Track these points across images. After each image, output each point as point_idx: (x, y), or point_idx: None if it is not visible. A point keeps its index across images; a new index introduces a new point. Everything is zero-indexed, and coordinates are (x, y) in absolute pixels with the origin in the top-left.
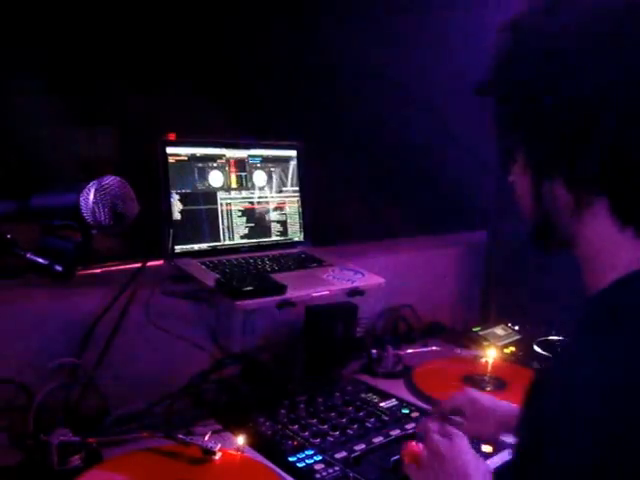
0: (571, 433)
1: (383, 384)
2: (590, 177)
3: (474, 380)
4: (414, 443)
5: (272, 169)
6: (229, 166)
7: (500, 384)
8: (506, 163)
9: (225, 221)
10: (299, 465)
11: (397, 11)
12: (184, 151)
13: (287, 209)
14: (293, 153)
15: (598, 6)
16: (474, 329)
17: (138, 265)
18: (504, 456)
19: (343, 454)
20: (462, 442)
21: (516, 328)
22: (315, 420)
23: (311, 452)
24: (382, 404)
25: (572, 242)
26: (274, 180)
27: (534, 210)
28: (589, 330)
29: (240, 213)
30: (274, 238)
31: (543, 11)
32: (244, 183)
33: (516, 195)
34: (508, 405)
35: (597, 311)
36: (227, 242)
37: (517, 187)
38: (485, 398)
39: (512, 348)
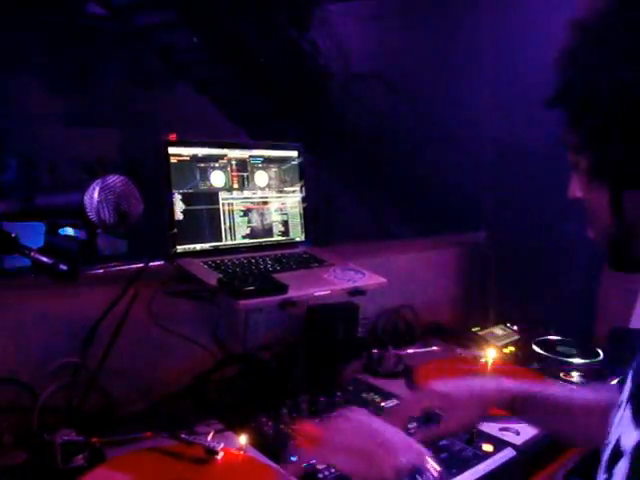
0: None
1: (384, 384)
2: None
3: None
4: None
5: (274, 169)
6: (231, 166)
7: None
8: (580, 178)
9: (227, 221)
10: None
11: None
12: (186, 151)
13: (289, 209)
14: (294, 153)
15: None
16: (473, 329)
17: (141, 265)
18: (505, 455)
19: None
20: (356, 412)
21: (515, 328)
22: (317, 420)
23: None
24: (383, 404)
25: None
26: (276, 180)
27: (613, 225)
28: None
29: (242, 213)
30: (276, 238)
31: (618, 5)
32: (246, 183)
33: (588, 212)
34: (481, 385)
35: None
36: (229, 242)
37: (592, 202)
38: (454, 389)
39: (511, 348)
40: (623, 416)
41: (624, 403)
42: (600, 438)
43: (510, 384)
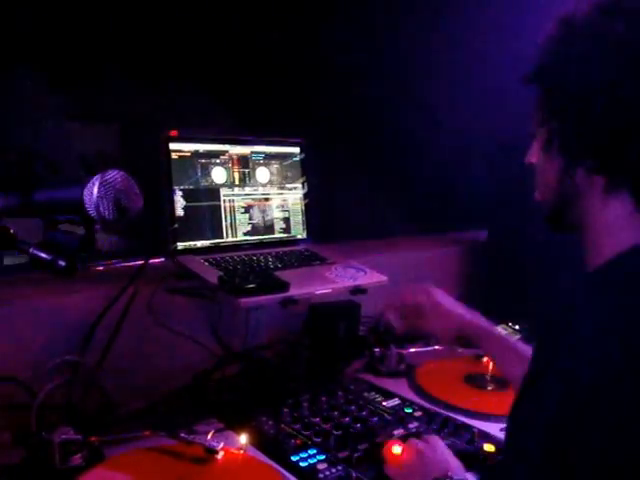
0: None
1: (386, 383)
2: (626, 169)
3: (476, 379)
4: (396, 443)
5: (275, 166)
6: (232, 162)
7: (502, 383)
8: (538, 147)
9: (228, 218)
10: (302, 464)
11: (391, 9)
12: (187, 147)
13: (290, 206)
14: (296, 150)
15: None
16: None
17: (141, 262)
18: None
19: (346, 453)
20: (439, 443)
21: (517, 327)
22: (318, 419)
23: (314, 451)
24: (385, 403)
25: (583, 223)
26: (277, 177)
27: (555, 190)
28: (592, 295)
29: (243, 210)
30: (277, 235)
31: (599, 13)
32: (247, 180)
33: (538, 175)
34: (468, 314)
35: (601, 279)
36: (230, 239)
37: (542, 168)
38: (446, 302)
39: None
40: None
41: None
42: None
43: (484, 321)
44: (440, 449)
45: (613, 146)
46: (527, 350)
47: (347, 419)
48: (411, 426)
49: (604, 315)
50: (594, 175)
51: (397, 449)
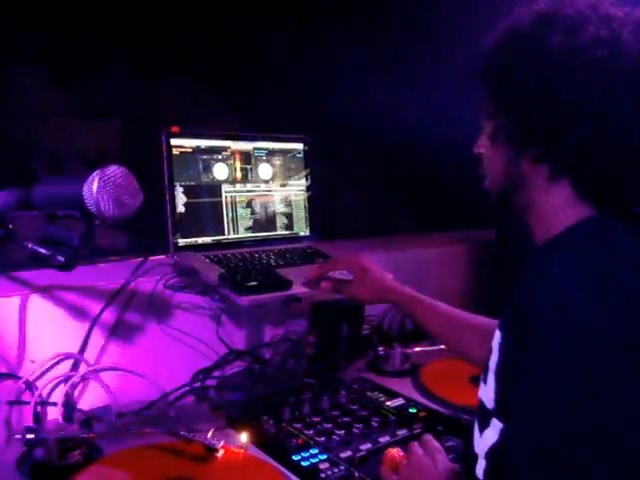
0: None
1: (390, 383)
2: (566, 160)
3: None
4: (395, 452)
5: (278, 162)
6: (234, 158)
7: None
8: (486, 138)
9: (230, 214)
10: (303, 464)
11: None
12: (188, 143)
13: (293, 203)
14: (299, 146)
15: (584, 30)
16: None
17: (141, 259)
18: None
19: (348, 453)
20: (442, 459)
21: None
22: (320, 418)
23: (316, 451)
24: (389, 403)
25: (528, 208)
26: (280, 173)
27: (502, 177)
28: (546, 262)
29: (245, 206)
30: (279, 232)
31: (539, 24)
32: (249, 176)
33: (485, 164)
34: (392, 284)
35: (555, 247)
36: (231, 236)
37: (490, 158)
38: (375, 269)
39: None
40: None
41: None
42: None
43: (410, 290)
44: (441, 464)
45: (553, 139)
46: (454, 312)
47: (349, 419)
48: (415, 426)
49: (567, 277)
50: (538, 164)
51: (395, 458)
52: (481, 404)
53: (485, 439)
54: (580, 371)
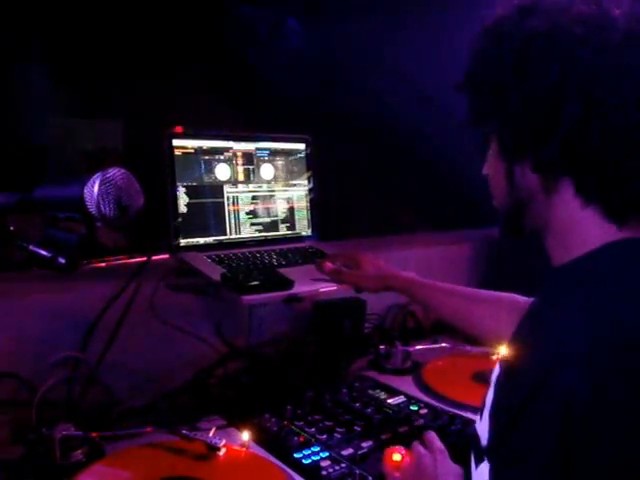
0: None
1: (391, 380)
2: (552, 161)
3: (484, 377)
4: (396, 449)
5: (280, 162)
6: (236, 159)
7: None
8: (483, 152)
9: (232, 215)
10: (305, 462)
11: (402, 8)
12: (191, 143)
13: (295, 203)
14: (302, 146)
15: (565, 14)
16: None
17: (143, 259)
18: None
19: (350, 451)
20: (444, 460)
21: None
22: (322, 416)
23: (317, 448)
24: (390, 400)
25: (542, 225)
26: (282, 173)
27: (508, 195)
28: (561, 298)
29: (247, 207)
30: (281, 232)
31: (517, 14)
32: (251, 176)
33: (491, 182)
34: (392, 269)
35: (568, 280)
36: (233, 236)
37: (492, 174)
38: (372, 260)
39: None
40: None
41: None
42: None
43: (413, 274)
44: (443, 464)
45: (538, 141)
46: (459, 288)
47: (351, 417)
48: (417, 424)
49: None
50: (533, 174)
51: (397, 456)
52: (477, 437)
53: (480, 473)
54: (556, 437)
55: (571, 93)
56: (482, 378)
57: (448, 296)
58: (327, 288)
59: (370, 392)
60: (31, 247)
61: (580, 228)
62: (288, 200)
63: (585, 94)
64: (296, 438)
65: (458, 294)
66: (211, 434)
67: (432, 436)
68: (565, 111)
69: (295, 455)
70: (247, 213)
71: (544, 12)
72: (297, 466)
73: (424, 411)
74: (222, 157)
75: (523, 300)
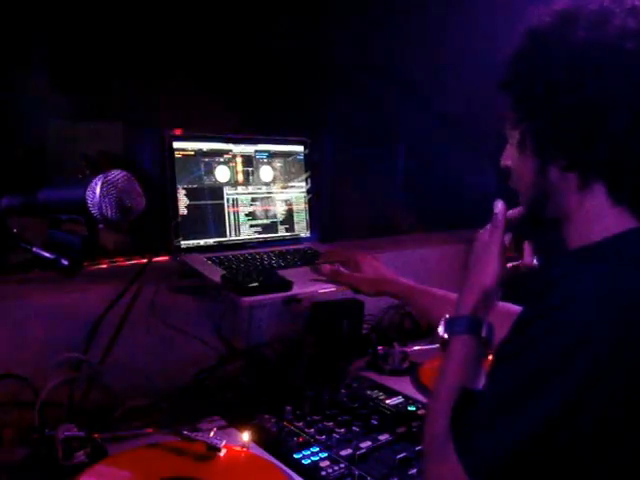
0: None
1: (389, 381)
2: (594, 164)
3: None
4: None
5: (279, 164)
6: (236, 161)
7: None
8: (512, 149)
9: (231, 216)
10: (304, 462)
11: (401, 11)
12: (191, 146)
13: (294, 205)
14: (300, 148)
15: (611, 26)
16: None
17: (144, 261)
18: None
19: (349, 451)
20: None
21: None
22: (320, 417)
23: (316, 449)
24: (388, 401)
25: (564, 216)
26: (281, 175)
27: (533, 188)
28: (581, 267)
29: (247, 208)
30: (280, 234)
31: (561, 22)
32: (251, 178)
33: (514, 176)
34: (389, 275)
35: (578, 255)
36: (233, 237)
37: (518, 169)
38: (370, 263)
39: None
40: None
41: None
42: None
43: (411, 281)
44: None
45: (582, 145)
46: (453, 295)
47: (350, 417)
48: (414, 424)
49: (599, 281)
50: (567, 172)
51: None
52: None
53: None
54: (561, 382)
55: (620, 103)
56: None
57: (447, 305)
58: (325, 289)
59: (368, 393)
60: (34, 249)
61: (606, 221)
62: (287, 202)
63: (635, 104)
64: (295, 439)
65: (452, 302)
66: (211, 435)
67: (498, 207)
68: (613, 119)
69: (295, 455)
70: (246, 215)
71: (587, 21)
72: (297, 466)
73: (422, 411)
74: (222, 159)
75: (517, 309)
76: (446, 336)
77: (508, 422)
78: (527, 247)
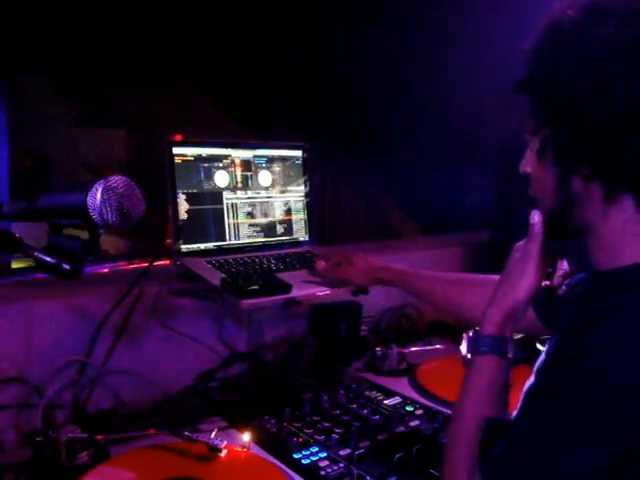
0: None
1: (387, 382)
2: (623, 176)
3: None
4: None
5: (277, 169)
6: (235, 166)
7: None
8: (532, 156)
9: (231, 221)
10: (304, 462)
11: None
12: (190, 151)
13: (292, 208)
14: (298, 153)
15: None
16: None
17: (145, 265)
18: None
19: (347, 451)
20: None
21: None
22: (320, 417)
23: (316, 449)
24: (386, 402)
25: (587, 228)
26: (280, 179)
27: (555, 198)
28: (614, 300)
29: (246, 213)
30: (279, 237)
31: (588, 17)
32: (250, 183)
33: (535, 185)
34: (382, 263)
35: (615, 286)
36: (233, 241)
37: (540, 178)
38: (362, 256)
39: None
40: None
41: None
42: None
43: (397, 266)
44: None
45: (609, 152)
46: (450, 274)
47: (348, 417)
48: (412, 424)
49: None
50: (591, 183)
51: None
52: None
53: None
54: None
55: None
56: None
57: (439, 283)
58: (324, 292)
59: (367, 393)
60: (36, 254)
61: (632, 239)
62: (285, 205)
63: None
64: (295, 439)
65: (450, 280)
66: (212, 436)
67: (535, 218)
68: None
69: (294, 455)
70: (246, 219)
71: (617, 17)
72: (296, 466)
73: (419, 412)
74: (221, 164)
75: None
76: (469, 356)
77: (551, 466)
78: (559, 265)
